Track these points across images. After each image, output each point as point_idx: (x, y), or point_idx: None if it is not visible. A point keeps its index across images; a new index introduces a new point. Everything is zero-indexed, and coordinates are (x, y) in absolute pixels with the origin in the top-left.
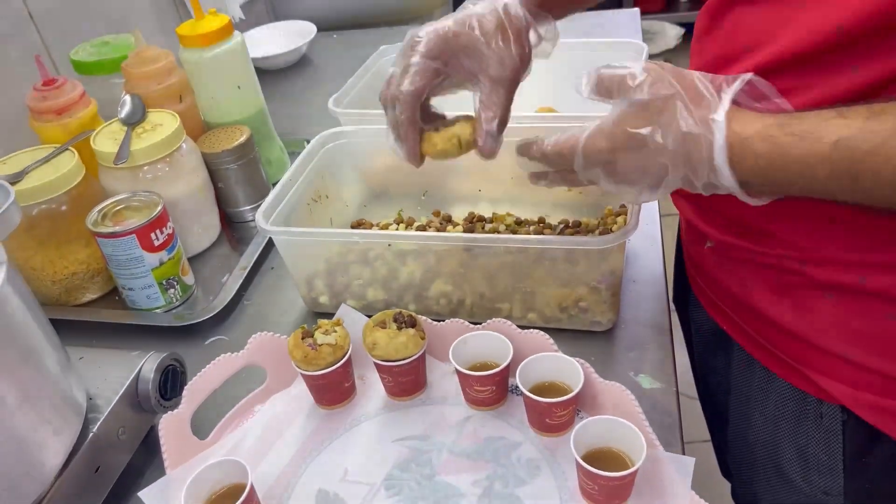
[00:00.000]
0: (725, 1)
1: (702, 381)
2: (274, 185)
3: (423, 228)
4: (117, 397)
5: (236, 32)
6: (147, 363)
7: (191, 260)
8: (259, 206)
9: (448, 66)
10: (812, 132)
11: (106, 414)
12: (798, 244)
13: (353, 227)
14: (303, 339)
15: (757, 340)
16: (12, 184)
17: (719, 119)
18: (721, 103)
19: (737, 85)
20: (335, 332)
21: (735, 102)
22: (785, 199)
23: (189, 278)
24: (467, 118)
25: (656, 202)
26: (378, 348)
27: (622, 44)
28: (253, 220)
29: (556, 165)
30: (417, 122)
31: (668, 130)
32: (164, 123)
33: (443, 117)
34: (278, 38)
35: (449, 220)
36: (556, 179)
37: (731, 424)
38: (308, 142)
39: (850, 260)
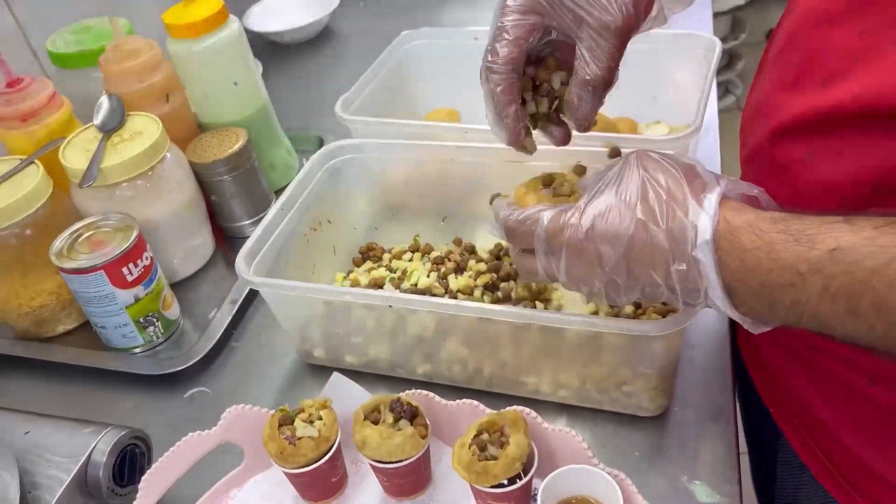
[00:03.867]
0: (807, 22)
1: (766, 479)
2: (278, 192)
3: (440, 261)
4: (62, 489)
5: (232, 18)
6: (101, 443)
7: (179, 284)
8: (259, 218)
9: (546, 17)
10: (808, 233)
11: None
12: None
13: (361, 253)
14: (280, 426)
15: (808, 443)
16: None
17: (712, 196)
18: (718, 186)
19: (740, 186)
20: (320, 418)
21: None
22: None
23: (172, 312)
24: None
25: None
26: (368, 448)
27: (689, 36)
28: None
29: (516, 242)
30: (517, 94)
31: (652, 200)
32: (144, 131)
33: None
34: (298, 8)
35: (472, 250)
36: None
37: None
38: (321, 140)
39: None
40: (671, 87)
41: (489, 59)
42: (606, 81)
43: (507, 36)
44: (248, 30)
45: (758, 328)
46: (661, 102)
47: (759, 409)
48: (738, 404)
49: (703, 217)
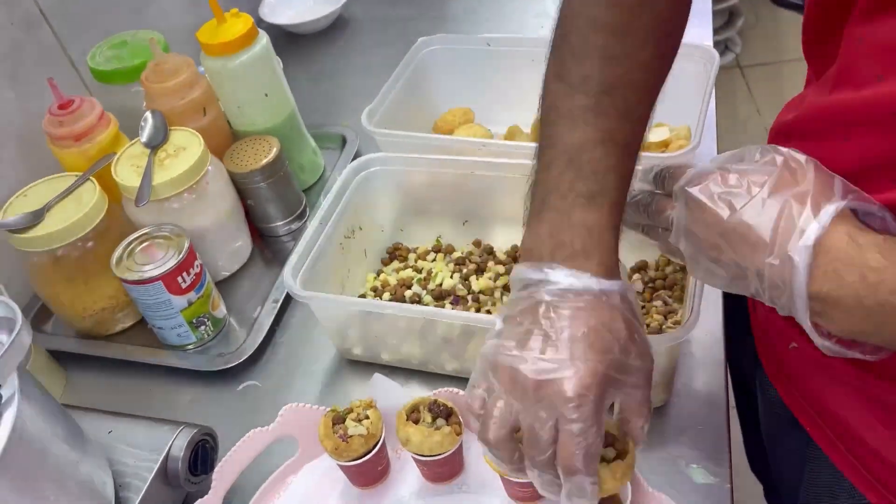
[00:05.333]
0: (845, 121)
1: (763, 462)
2: (307, 191)
3: (462, 261)
4: (148, 482)
5: (261, 34)
6: (178, 439)
7: (221, 283)
8: (292, 219)
9: None
10: None
11: (138, 502)
12: None
13: (388, 253)
14: (334, 425)
15: (848, 459)
16: (32, 226)
17: (830, 207)
18: (842, 200)
19: (864, 201)
20: (367, 417)
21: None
22: None
23: (220, 311)
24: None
25: None
26: (412, 445)
27: (690, 47)
28: (286, 236)
29: (665, 186)
30: None
31: (773, 189)
32: (187, 147)
33: None
34: None
35: (490, 252)
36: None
37: None
38: (344, 138)
39: None
40: (672, 91)
41: (572, 461)
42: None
43: (590, 446)
44: (263, 21)
45: (835, 353)
46: (663, 105)
47: (779, 406)
48: (730, 396)
49: (814, 224)
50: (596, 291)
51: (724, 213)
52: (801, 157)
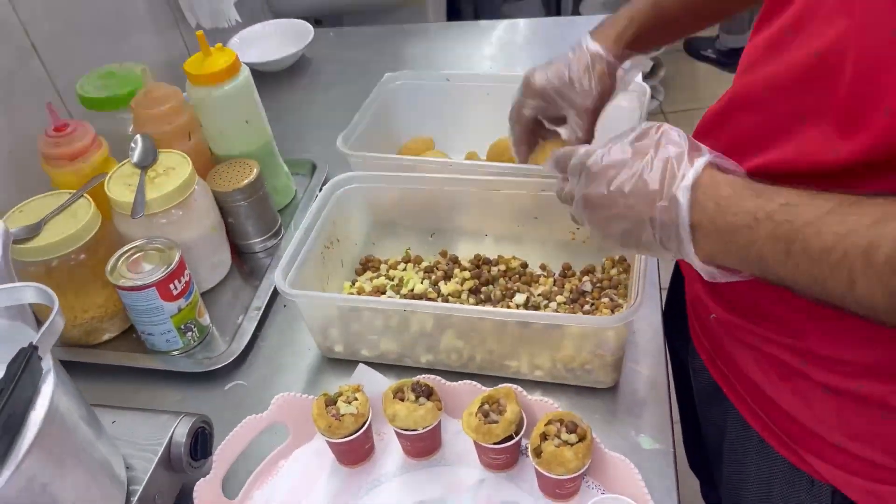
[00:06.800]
0: (733, 106)
1: (695, 426)
2: (281, 211)
3: (430, 270)
4: (153, 465)
5: (243, 67)
6: (179, 427)
7: (203, 295)
8: (268, 237)
9: (547, 101)
10: (768, 191)
11: (144, 483)
12: (798, 333)
13: (361, 264)
14: (326, 406)
15: (754, 410)
16: (30, 238)
17: (701, 159)
18: (709, 155)
19: (725, 161)
20: (356, 399)
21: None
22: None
23: (205, 319)
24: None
25: None
26: (398, 419)
27: None
28: (263, 252)
29: (559, 170)
30: (523, 140)
31: (657, 152)
32: (176, 167)
33: (556, 133)
34: (274, 39)
35: (456, 261)
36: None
37: (724, 480)
38: (314, 165)
39: (848, 362)
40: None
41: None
42: (588, 140)
43: (519, 109)
44: None
45: (712, 276)
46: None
47: (704, 375)
48: (671, 377)
49: (691, 171)
50: (580, 45)
51: (621, 174)
52: (674, 129)
